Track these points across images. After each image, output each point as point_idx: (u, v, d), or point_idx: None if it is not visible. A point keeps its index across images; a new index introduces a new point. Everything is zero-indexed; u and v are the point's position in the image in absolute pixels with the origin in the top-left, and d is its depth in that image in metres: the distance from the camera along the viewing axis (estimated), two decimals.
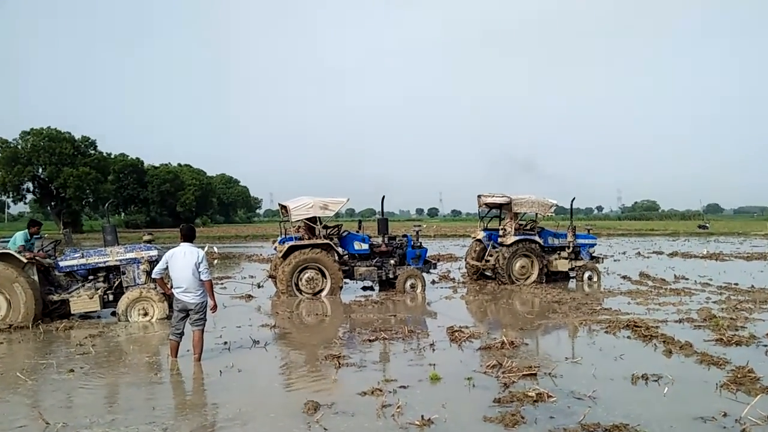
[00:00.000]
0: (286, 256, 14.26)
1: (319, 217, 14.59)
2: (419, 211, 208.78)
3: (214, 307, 8.11)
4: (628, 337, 9.47)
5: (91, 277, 11.81)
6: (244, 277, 18.78)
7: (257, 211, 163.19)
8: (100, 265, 11.69)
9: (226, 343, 9.21)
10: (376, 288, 16.10)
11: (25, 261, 10.84)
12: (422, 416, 5.76)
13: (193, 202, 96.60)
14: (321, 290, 14.33)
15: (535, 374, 7.18)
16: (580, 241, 17.84)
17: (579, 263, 17.47)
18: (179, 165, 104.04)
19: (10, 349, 9.25)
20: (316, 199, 14.54)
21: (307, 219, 14.62)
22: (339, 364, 7.87)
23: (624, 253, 29.64)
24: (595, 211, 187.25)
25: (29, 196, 76.50)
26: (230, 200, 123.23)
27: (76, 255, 11.68)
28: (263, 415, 6.04)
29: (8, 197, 75.71)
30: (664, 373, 7.16)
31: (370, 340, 9.29)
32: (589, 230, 18.82)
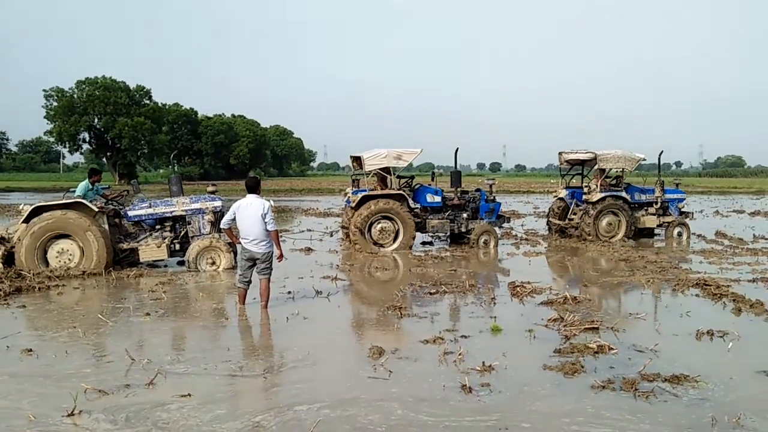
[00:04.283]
0: (359, 206, 14.44)
1: (391, 168, 14.76)
2: (480, 166, 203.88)
3: (281, 257, 8.39)
4: (697, 295, 9.38)
5: (158, 227, 12.25)
6: (302, 231, 19.19)
7: (311, 164, 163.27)
8: (167, 215, 12.10)
9: (290, 292, 9.54)
10: (436, 243, 16.24)
11: (96, 210, 11.32)
12: (483, 362, 5.94)
13: (247, 155, 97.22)
14: (393, 242, 14.54)
15: (597, 328, 7.24)
16: (669, 196, 17.45)
17: (668, 219, 17.17)
18: (233, 116, 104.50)
19: (87, 294, 9.75)
20: (390, 149, 14.65)
21: (380, 169, 14.78)
22: (401, 314, 8.08)
23: (701, 211, 28.24)
24: (674, 167, 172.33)
25: (85, 147, 77.51)
26: (284, 153, 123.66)
27: (144, 205, 12.12)
28: (330, 358, 6.35)
29: (65, 147, 77.08)
30: (731, 330, 7.14)
31: (430, 293, 9.47)
32: (677, 185, 18.42)
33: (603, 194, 16.12)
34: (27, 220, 10.97)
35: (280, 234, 15.63)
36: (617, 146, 16.83)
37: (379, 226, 14.45)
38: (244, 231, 8.17)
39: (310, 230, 19.23)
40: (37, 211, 11.01)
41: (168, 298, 9.20)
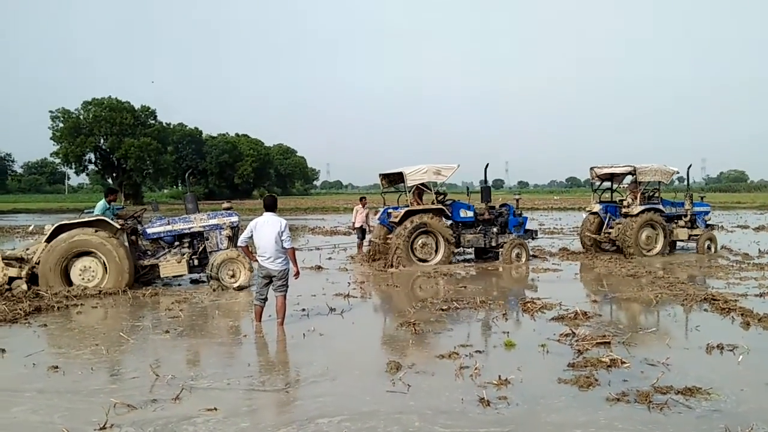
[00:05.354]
0: (401, 221, 14.79)
1: (430, 184, 15.53)
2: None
3: (297, 274, 8.58)
4: (705, 310, 9.52)
5: (176, 244, 12.48)
6: (310, 249, 19.40)
7: (314, 182, 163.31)
8: (185, 231, 12.34)
9: (304, 309, 9.70)
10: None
11: (118, 227, 11.53)
12: (499, 376, 6.08)
13: (251, 174, 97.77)
14: (434, 256, 14.96)
15: (608, 343, 7.36)
16: (696, 209, 17.94)
17: (696, 232, 17.58)
18: (237, 135, 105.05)
19: (105, 312, 9.92)
20: (429, 165, 15.15)
21: (419, 184, 15.34)
22: (415, 330, 8.21)
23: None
24: (676, 182, 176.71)
25: (91, 167, 77.86)
26: (287, 171, 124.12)
27: (162, 222, 12.36)
28: (349, 373, 6.50)
29: (71, 168, 77.65)
30: (740, 344, 7.27)
31: (442, 310, 9.60)
32: (702, 198, 18.94)
33: (643, 207, 16.46)
34: (50, 239, 11.17)
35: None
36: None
37: (421, 240, 14.86)
38: (261, 248, 8.35)
39: (318, 248, 19.46)
40: (59, 230, 11.21)
41: (185, 316, 9.37)
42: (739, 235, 24.29)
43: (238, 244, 8.80)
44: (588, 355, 6.92)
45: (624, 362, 6.57)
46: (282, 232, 8.30)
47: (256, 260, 8.53)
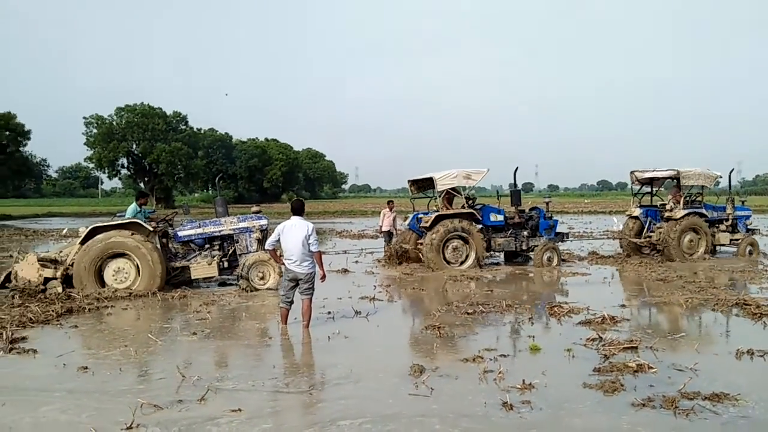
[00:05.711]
0: (432, 226, 14.85)
1: (460, 188, 15.57)
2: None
3: (323, 277, 8.63)
4: (736, 315, 9.34)
5: (207, 246, 12.69)
6: (337, 252, 19.49)
7: (343, 186, 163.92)
8: (216, 234, 12.57)
9: (329, 313, 9.74)
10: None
11: (151, 229, 11.74)
12: (523, 381, 6.04)
13: (280, 178, 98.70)
14: (465, 261, 14.96)
15: (635, 348, 7.27)
16: (738, 213, 17.85)
17: (737, 236, 17.49)
18: (266, 140, 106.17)
19: (135, 314, 10.09)
20: (459, 170, 15.25)
21: (450, 189, 15.41)
22: (440, 333, 8.21)
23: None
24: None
25: (123, 172, 79.62)
26: (316, 175, 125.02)
27: (193, 225, 12.61)
28: (373, 375, 6.51)
29: (104, 173, 79.51)
30: None
31: (468, 313, 9.56)
32: (743, 202, 18.78)
33: (687, 211, 16.33)
34: (84, 242, 11.40)
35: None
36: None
37: (452, 244, 14.88)
38: (288, 252, 8.42)
39: (345, 252, 19.54)
40: (93, 233, 11.44)
41: (213, 318, 9.48)
42: None
43: (266, 247, 8.88)
44: (614, 359, 6.85)
45: (651, 367, 6.50)
46: (309, 236, 8.36)
47: (283, 263, 8.60)
